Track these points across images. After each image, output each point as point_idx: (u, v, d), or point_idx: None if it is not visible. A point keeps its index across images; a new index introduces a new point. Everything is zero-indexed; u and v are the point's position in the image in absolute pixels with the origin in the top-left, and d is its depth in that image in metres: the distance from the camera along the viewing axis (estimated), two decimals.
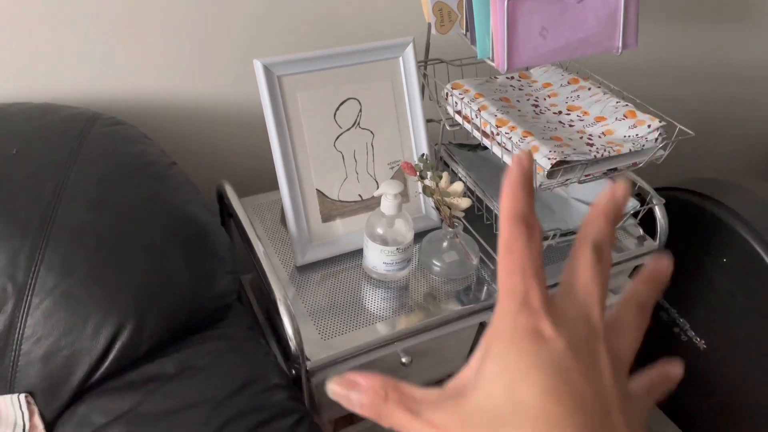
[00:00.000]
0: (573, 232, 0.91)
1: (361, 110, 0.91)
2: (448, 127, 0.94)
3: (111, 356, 0.69)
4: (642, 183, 0.98)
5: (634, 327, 0.29)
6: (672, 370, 0.32)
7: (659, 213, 0.98)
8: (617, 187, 0.30)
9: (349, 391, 0.28)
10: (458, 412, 0.26)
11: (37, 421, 0.68)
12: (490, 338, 0.27)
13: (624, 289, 0.31)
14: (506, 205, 0.29)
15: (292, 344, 0.75)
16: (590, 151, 0.81)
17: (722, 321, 1.16)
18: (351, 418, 0.97)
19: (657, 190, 0.98)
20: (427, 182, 0.85)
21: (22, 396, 0.68)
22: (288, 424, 0.69)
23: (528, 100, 0.95)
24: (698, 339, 1.22)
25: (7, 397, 0.68)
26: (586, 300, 0.27)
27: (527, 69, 1.03)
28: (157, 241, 0.73)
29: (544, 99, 0.95)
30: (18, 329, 0.67)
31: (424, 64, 0.98)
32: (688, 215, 1.16)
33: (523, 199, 0.29)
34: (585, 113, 0.91)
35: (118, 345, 0.69)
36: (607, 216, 0.30)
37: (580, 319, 0.27)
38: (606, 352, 0.26)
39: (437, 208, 0.87)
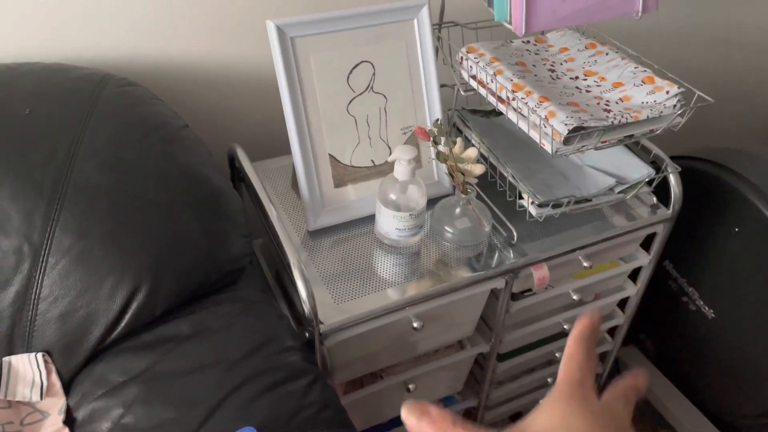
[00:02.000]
0: (587, 200, 0.90)
1: (374, 74, 0.89)
2: (462, 92, 0.93)
3: (127, 317, 0.69)
4: (657, 151, 0.97)
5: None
6: (639, 380, 0.42)
7: (673, 181, 0.97)
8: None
9: (421, 419, 0.35)
10: None
11: (55, 379, 0.69)
12: (548, 401, 0.37)
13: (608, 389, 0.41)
14: (568, 354, 0.40)
15: (306, 307, 0.76)
16: (607, 117, 0.80)
17: (731, 290, 1.16)
18: (360, 382, 0.99)
19: (671, 158, 0.97)
20: (441, 148, 0.84)
21: (40, 355, 0.69)
22: (302, 385, 0.69)
23: (544, 64, 0.93)
24: (706, 308, 1.22)
25: (25, 355, 0.69)
26: (622, 413, 0.38)
27: (543, 33, 1.01)
28: (172, 203, 0.72)
29: (561, 64, 0.94)
30: (35, 289, 0.68)
31: (438, 27, 0.97)
32: (701, 184, 1.15)
33: (583, 352, 0.40)
34: (602, 79, 0.90)
35: (133, 306, 0.69)
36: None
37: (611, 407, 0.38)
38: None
39: (450, 174, 0.86)
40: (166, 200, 0.72)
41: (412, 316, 0.84)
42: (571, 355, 0.40)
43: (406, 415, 0.35)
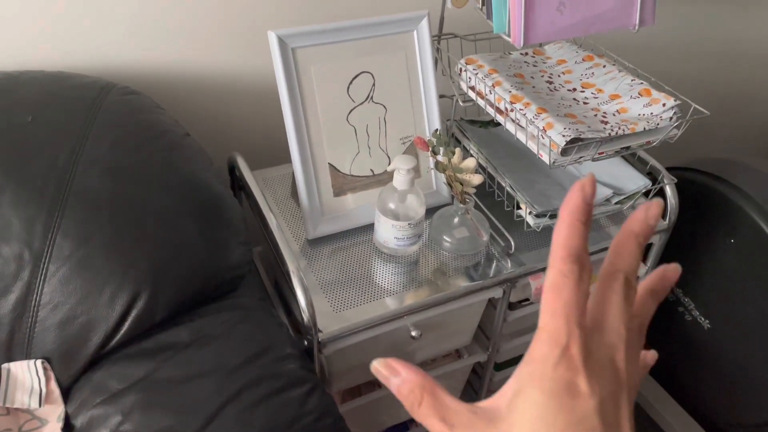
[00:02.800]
0: None
1: (374, 84, 0.90)
2: (461, 103, 0.94)
3: (126, 324, 0.69)
4: (654, 162, 0.98)
5: (640, 341, 0.31)
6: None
7: (670, 192, 0.98)
8: (652, 206, 0.30)
9: (390, 376, 0.31)
10: None
11: (54, 386, 0.69)
12: (528, 376, 0.28)
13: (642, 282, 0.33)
14: (561, 237, 0.28)
15: (305, 316, 0.76)
16: (605, 128, 0.81)
17: (727, 301, 1.17)
18: (358, 390, 0.99)
19: (667, 169, 0.98)
20: (440, 158, 0.85)
21: (39, 362, 0.69)
22: (300, 393, 0.70)
23: (542, 76, 0.94)
24: (702, 318, 1.23)
25: (24, 362, 0.69)
26: (614, 342, 0.29)
27: (541, 45, 1.03)
28: (173, 211, 0.73)
29: (558, 76, 0.95)
30: (35, 296, 0.68)
31: (437, 38, 0.98)
32: (697, 195, 1.16)
33: (580, 232, 0.28)
34: (599, 91, 0.91)
35: (133, 313, 0.69)
36: (639, 241, 0.30)
37: (609, 367, 0.28)
38: (627, 403, 0.28)
39: (449, 184, 0.87)
40: (166, 208, 0.73)
41: (410, 325, 0.84)
42: (553, 284, 0.28)
43: (376, 367, 0.31)
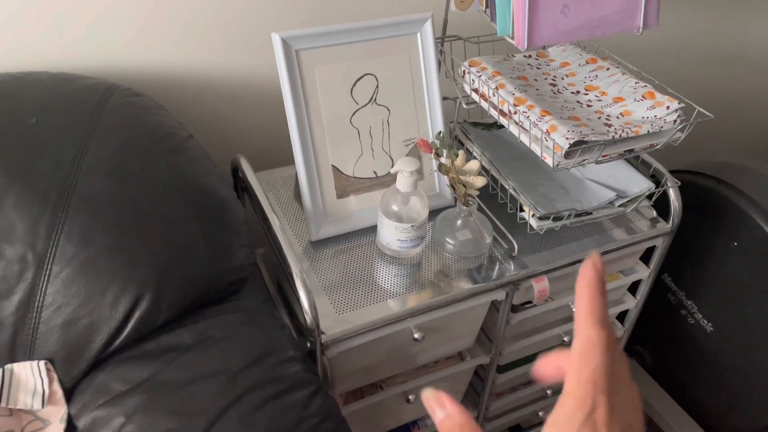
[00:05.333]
0: (587, 213, 0.91)
1: (377, 86, 0.90)
2: (464, 105, 0.94)
3: (129, 326, 0.69)
4: (657, 165, 0.98)
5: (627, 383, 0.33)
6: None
7: (673, 195, 0.98)
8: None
9: (437, 409, 0.34)
10: None
11: (56, 387, 0.69)
12: None
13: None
14: (584, 307, 0.32)
15: (308, 318, 0.76)
16: (608, 131, 0.81)
17: (730, 304, 1.17)
18: (360, 393, 0.99)
19: (671, 172, 0.98)
20: (443, 160, 0.85)
21: (42, 363, 0.69)
22: (304, 396, 0.69)
23: (546, 79, 0.94)
24: (705, 322, 1.22)
25: (27, 363, 0.69)
26: (629, 406, 0.32)
27: (544, 48, 1.03)
28: (176, 213, 0.73)
29: (562, 78, 0.95)
30: (38, 297, 0.68)
31: (440, 40, 0.98)
32: (700, 198, 1.16)
33: (600, 301, 0.32)
34: (603, 93, 0.91)
35: (136, 315, 0.69)
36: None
37: (627, 428, 0.31)
38: None
39: (452, 187, 0.87)
40: (170, 210, 0.73)
41: (413, 327, 0.84)
42: (582, 351, 0.32)
43: (427, 397, 0.35)
